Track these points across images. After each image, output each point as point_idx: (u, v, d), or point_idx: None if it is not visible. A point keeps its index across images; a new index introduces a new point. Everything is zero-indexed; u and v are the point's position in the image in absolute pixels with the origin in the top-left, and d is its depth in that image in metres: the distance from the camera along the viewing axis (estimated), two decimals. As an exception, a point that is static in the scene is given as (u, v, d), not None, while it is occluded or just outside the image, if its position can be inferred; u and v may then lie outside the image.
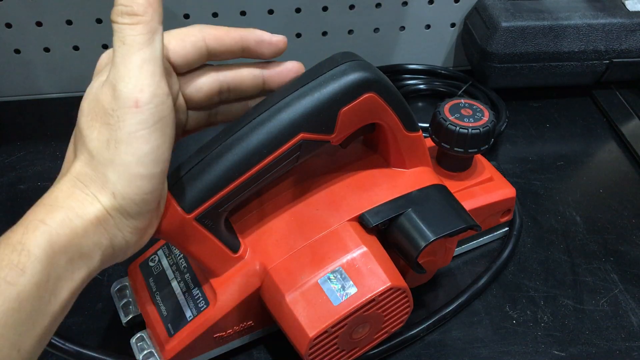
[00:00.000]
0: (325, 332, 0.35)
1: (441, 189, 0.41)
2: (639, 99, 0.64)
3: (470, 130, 0.43)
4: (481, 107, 0.45)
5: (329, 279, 0.36)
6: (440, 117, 0.44)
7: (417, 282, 0.44)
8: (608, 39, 0.60)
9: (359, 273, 0.36)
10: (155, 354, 0.39)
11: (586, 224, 0.51)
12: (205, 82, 0.34)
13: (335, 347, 0.36)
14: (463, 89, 0.63)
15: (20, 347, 0.25)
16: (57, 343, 0.39)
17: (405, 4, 0.64)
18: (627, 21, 0.60)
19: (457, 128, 0.43)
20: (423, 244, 0.37)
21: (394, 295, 0.36)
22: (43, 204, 0.27)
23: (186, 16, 0.60)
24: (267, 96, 0.36)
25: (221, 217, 0.35)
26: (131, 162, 0.28)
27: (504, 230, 0.50)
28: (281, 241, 0.38)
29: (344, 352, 0.37)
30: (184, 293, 0.39)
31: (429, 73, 0.67)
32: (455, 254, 0.48)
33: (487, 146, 0.44)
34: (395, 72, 0.66)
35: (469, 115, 0.44)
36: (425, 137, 0.42)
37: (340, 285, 0.35)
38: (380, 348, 0.40)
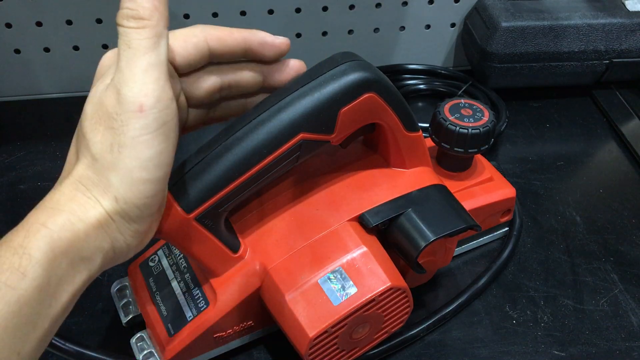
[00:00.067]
0: (325, 332, 0.35)
1: (441, 189, 0.41)
2: (639, 99, 0.64)
3: (470, 130, 0.43)
4: (481, 107, 0.45)
5: (329, 279, 0.36)
6: (440, 117, 0.44)
7: (417, 282, 0.44)
8: (608, 39, 0.60)
9: (359, 273, 0.36)
10: (155, 354, 0.39)
11: (586, 224, 0.51)
12: (207, 80, 0.34)
13: (335, 347, 0.36)
14: (463, 89, 0.63)
15: (20, 351, 0.25)
16: (57, 343, 0.39)
17: (405, 4, 0.64)
18: (627, 21, 0.60)
19: (457, 128, 0.43)
20: (423, 244, 0.37)
21: (394, 295, 0.36)
22: (45, 206, 0.27)
23: (186, 16, 0.60)
24: (267, 96, 0.36)
25: (221, 217, 0.35)
26: (134, 167, 0.28)
27: (504, 230, 0.50)
28: (281, 241, 0.38)
29: (344, 352, 0.37)
30: (184, 293, 0.39)
31: (429, 73, 0.67)
32: (455, 254, 0.48)
33: (487, 146, 0.44)
34: (395, 72, 0.66)
35: (469, 115, 0.44)
36: (425, 137, 0.42)
37: (340, 285, 0.35)
38: (380, 348, 0.40)
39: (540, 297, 0.45)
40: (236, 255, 0.37)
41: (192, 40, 0.32)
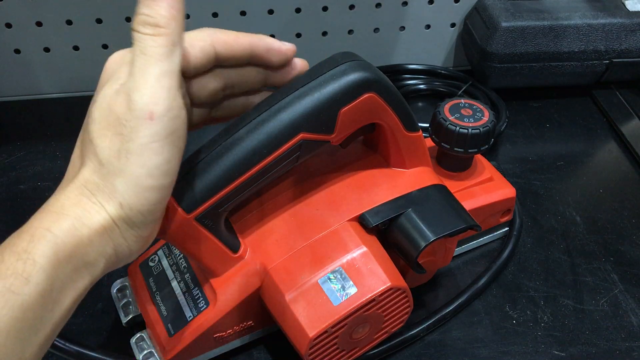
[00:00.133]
0: (325, 332, 0.35)
1: (441, 189, 0.41)
2: (639, 99, 0.64)
3: (470, 130, 0.43)
4: (481, 107, 0.45)
5: (329, 279, 0.36)
6: (440, 117, 0.44)
7: (417, 282, 0.44)
8: (608, 39, 0.60)
9: (359, 273, 0.36)
10: (155, 354, 0.39)
11: (586, 224, 0.51)
12: (211, 80, 0.34)
13: (335, 347, 0.36)
14: (463, 89, 0.63)
15: (22, 356, 0.25)
16: (57, 343, 0.39)
17: (405, 4, 0.64)
18: (627, 21, 0.60)
19: (457, 128, 0.43)
20: (423, 244, 0.37)
21: (394, 295, 0.36)
22: (49, 210, 0.27)
23: (186, 16, 0.60)
24: (267, 96, 0.36)
25: (221, 217, 0.35)
26: (141, 174, 0.28)
27: (504, 230, 0.50)
28: (281, 241, 0.38)
29: (344, 352, 0.37)
30: (184, 293, 0.39)
31: (429, 73, 0.67)
32: (455, 254, 0.48)
33: (487, 146, 0.44)
34: (395, 72, 0.66)
35: (469, 115, 0.44)
36: (425, 137, 0.42)
37: (340, 285, 0.35)
38: (380, 348, 0.40)
39: (540, 297, 0.45)
40: (236, 255, 0.37)
41: (199, 44, 0.32)
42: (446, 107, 0.45)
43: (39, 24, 0.59)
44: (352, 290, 0.35)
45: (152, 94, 0.27)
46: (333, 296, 0.35)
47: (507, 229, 0.50)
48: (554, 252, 0.49)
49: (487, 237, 0.49)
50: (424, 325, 0.42)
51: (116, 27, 0.60)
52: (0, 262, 0.25)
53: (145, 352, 0.39)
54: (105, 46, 0.61)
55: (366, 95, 0.35)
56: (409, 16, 0.65)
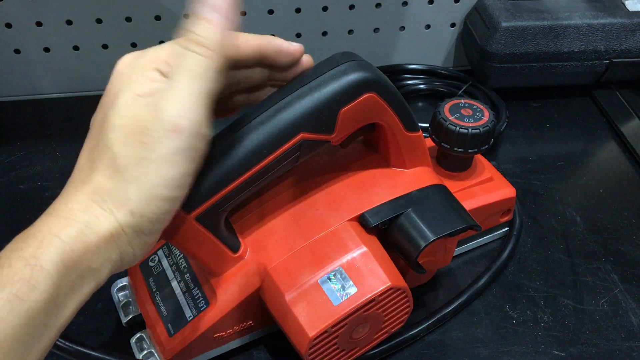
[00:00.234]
0: (325, 332, 0.35)
1: (441, 189, 0.41)
2: (639, 99, 0.64)
3: (470, 130, 0.43)
4: (481, 107, 0.45)
5: (329, 279, 0.36)
6: (440, 117, 0.44)
7: (417, 282, 0.44)
8: (608, 39, 0.60)
9: (359, 273, 0.36)
10: (155, 354, 0.39)
11: (586, 224, 0.51)
12: None
13: (335, 347, 0.36)
14: (463, 89, 0.63)
15: None
16: (58, 342, 0.39)
17: (405, 4, 0.64)
18: (627, 21, 0.60)
19: (457, 128, 0.43)
20: (423, 244, 0.37)
21: (394, 295, 0.36)
22: (57, 215, 0.27)
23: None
24: (267, 96, 0.36)
25: (221, 217, 0.35)
26: (157, 184, 0.28)
27: (504, 230, 0.50)
28: (281, 241, 0.38)
29: (344, 352, 0.37)
30: (184, 293, 0.39)
31: (429, 73, 0.67)
32: (455, 254, 0.48)
33: (487, 146, 0.44)
34: (395, 72, 0.66)
35: (469, 115, 0.44)
36: (425, 137, 0.42)
37: (340, 285, 0.35)
38: (380, 348, 0.40)
39: (540, 297, 0.45)
40: (236, 255, 0.37)
41: None
42: (446, 107, 0.45)
43: (39, 24, 0.59)
44: (352, 290, 0.35)
45: (183, 108, 0.28)
46: (333, 296, 0.35)
47: (507, 229, 0.50)
48: (554, 252, 0.49)
49: (487, 237, 0.49)
50: (424, 325, 0.42)
51: (116, 27, 0.60)
52: (8, 267, 0.25)
53: (145, 352, 0.39)
54: (105, 46, 0.61)
55: (366, 95, 0.35)
56: (409, 16, 0.65)
